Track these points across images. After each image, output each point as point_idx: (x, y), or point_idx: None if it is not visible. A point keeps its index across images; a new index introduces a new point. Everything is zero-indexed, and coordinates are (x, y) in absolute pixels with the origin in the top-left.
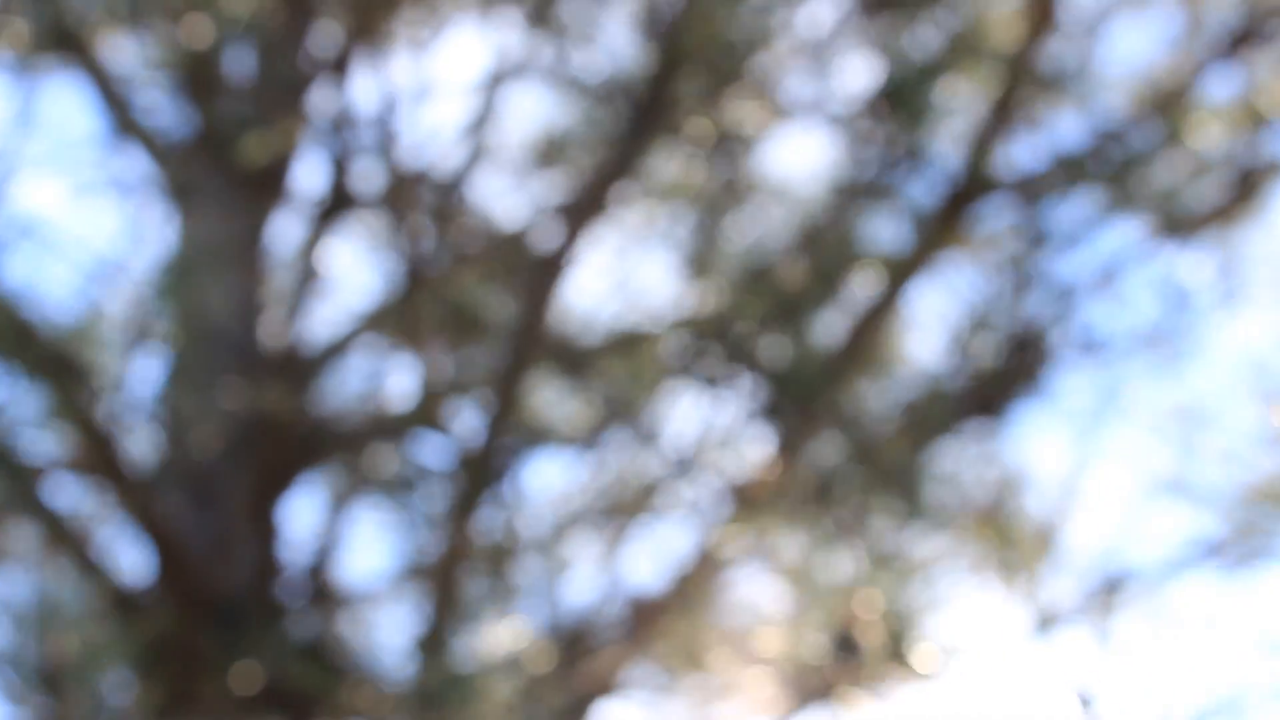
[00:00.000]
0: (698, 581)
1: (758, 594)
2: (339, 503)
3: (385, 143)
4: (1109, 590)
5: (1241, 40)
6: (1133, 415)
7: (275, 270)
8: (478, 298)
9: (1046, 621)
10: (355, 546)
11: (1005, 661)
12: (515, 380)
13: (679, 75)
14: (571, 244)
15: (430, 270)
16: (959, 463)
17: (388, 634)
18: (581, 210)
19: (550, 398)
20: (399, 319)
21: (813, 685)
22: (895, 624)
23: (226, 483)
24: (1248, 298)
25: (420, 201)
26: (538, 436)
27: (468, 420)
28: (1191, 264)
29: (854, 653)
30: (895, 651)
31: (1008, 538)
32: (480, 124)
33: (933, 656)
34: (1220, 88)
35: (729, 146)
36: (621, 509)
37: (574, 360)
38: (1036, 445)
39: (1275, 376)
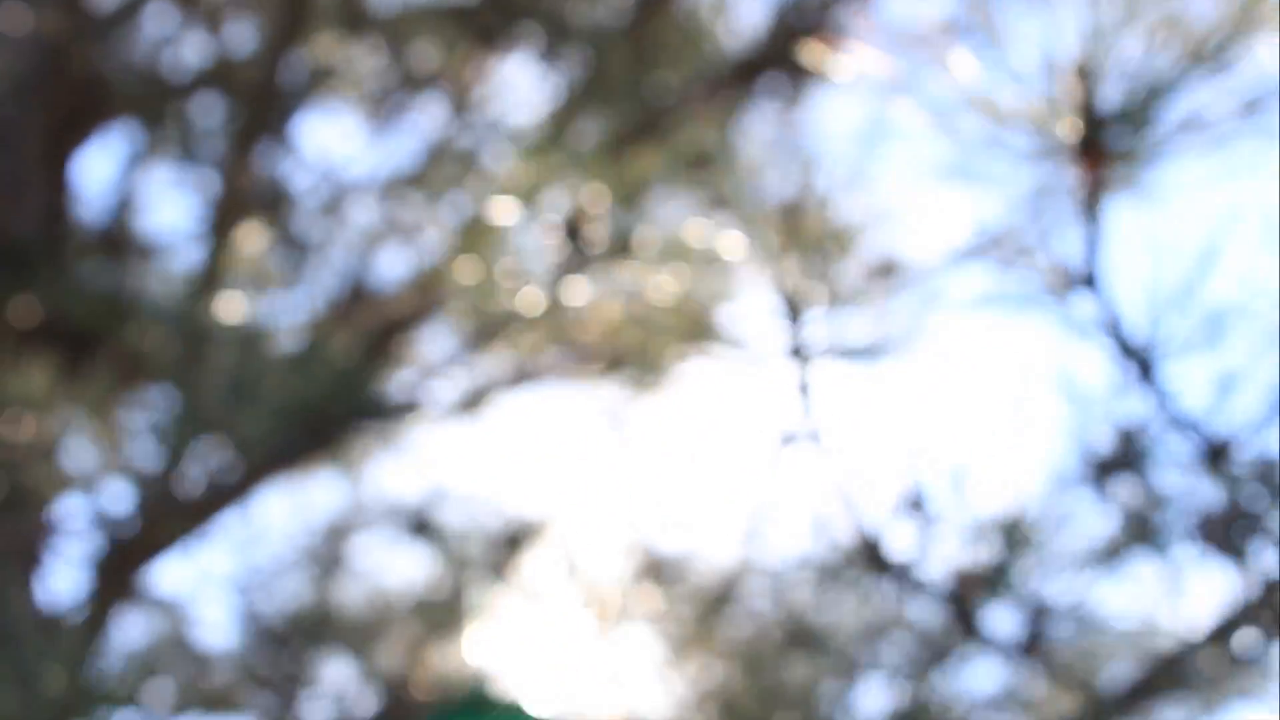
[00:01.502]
0: (480, 239)
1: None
2: (135, 157)
3: None
4: (886, 275)
5: None
6: (923, 100)
7: None
8: None
9: (824, 306)
10: (148, 200)
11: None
12: (301, 29)
13: None
14: None
15: None
16: (750, 139)
17: (176, 284)
18: None
19: (341, 56)
20: None
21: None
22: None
23: (17, 128)
24: None
25: None
26: (323, 88)
27: (253, 72)
28: None
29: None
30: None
31: (795, 220)
32: None
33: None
34: None
35: None
36: (409, 175)
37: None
38: (826, 127)
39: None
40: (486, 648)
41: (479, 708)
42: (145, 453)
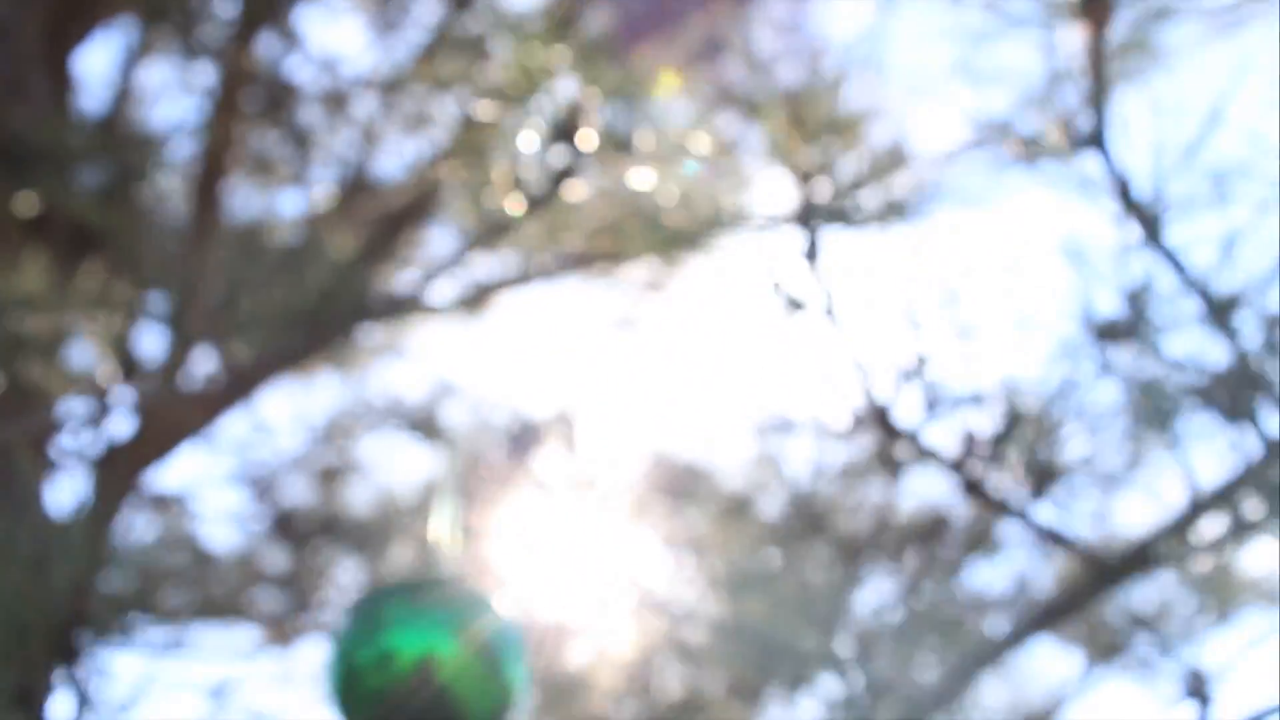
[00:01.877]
0: (479, 134)
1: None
2: (135, 51)
3: None
4: (894, 163)
5: None
6: None
7: None
8: None
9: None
10: (149, 94)
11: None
12: None
13: None
14: None
15: None
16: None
17: (176, 178)
18: None
19: None
20: None
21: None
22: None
23: (17, 24)
24: None
25: None
26: None
27: None
28: None
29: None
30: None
31: (803, 109)
32: None
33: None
34: None
35: None
36: (411, 67)
37: None
38: (837, 16)
39: None
40: (481, 544)
41: (421, 588)
42: (147, 350)
